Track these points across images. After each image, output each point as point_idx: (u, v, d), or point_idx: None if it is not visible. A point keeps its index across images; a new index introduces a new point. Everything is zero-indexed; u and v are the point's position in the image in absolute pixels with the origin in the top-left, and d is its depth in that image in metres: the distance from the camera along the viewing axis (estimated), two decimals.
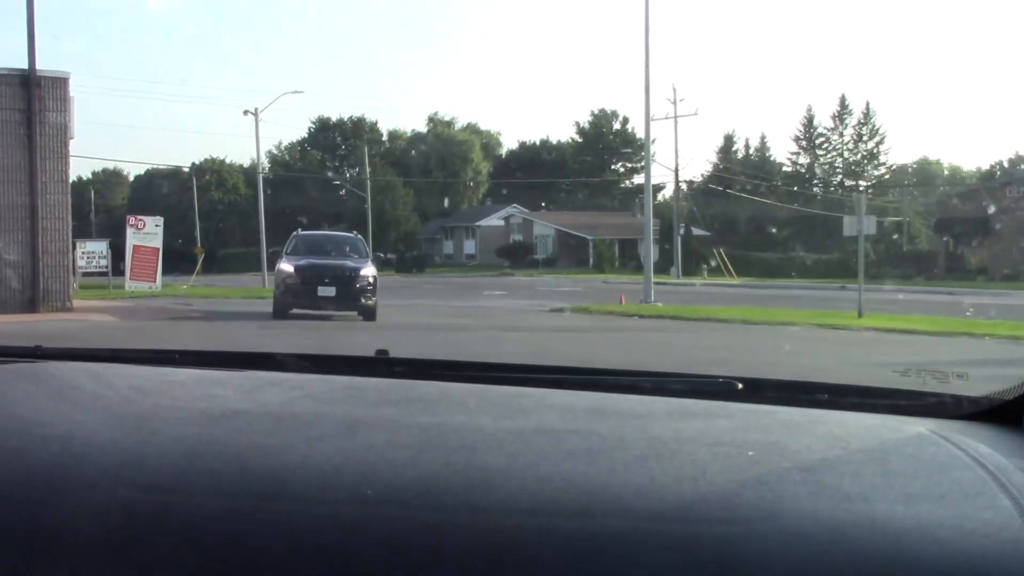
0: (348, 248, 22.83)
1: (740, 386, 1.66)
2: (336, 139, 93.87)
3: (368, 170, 74.12)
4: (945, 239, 50.65)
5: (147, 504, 1.09)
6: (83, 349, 2.11)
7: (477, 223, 77.79)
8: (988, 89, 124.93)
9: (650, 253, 28.30)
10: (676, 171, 58.35)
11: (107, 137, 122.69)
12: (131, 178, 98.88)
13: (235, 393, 1.56)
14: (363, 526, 1.05)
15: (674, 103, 55.56)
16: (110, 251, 38.47)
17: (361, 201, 72.34)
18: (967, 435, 1.37)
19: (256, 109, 44.72)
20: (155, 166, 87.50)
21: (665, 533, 1.03)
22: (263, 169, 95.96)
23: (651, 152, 30.10)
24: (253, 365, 1.92)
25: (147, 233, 37.49)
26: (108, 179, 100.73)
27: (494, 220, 76.64)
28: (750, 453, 1.24)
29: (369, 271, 21.18)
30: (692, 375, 1.81)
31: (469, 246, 78.22)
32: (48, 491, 1.12)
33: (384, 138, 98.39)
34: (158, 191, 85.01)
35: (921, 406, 1.59)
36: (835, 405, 1.60)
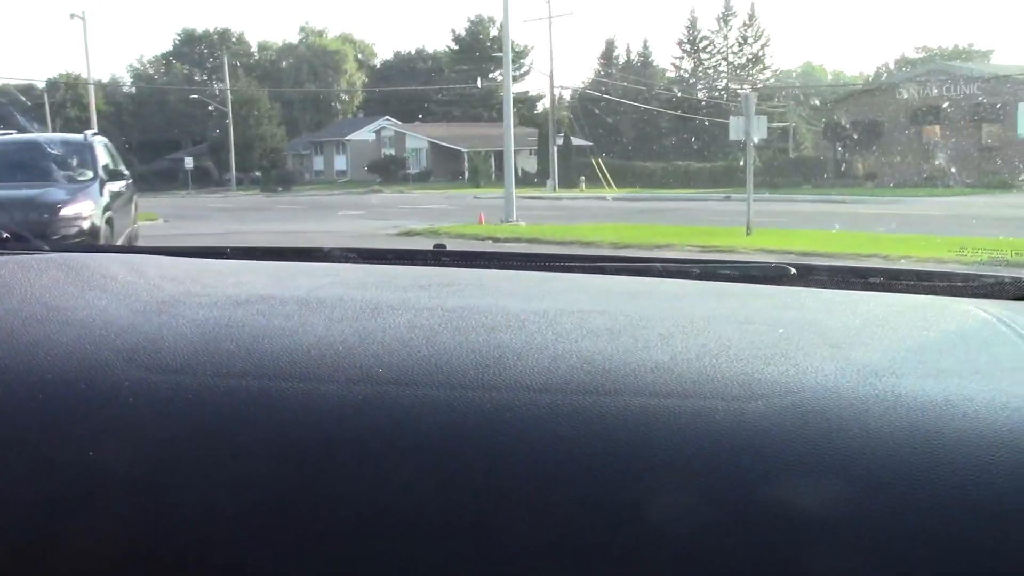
0: (70, 162, 13.24)
1: (793, 271, 1.63)
2: (203, 52, 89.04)
3: (228, 82, 69.89)
4: (833, 145, 48.44)
5: (156, 384, 1.11)
6: (142, 247, 1.71)
7: (347, 137, 73.68)
8: None
9: (511, 166, 25.10)
10: (551, 76, 55.11)
11: None
12: None
13: (266, 280, 1.58)
14: (371, 404, 1.06)
15: (548, 2, 52.06)
16: None
17: (225, 116, 68.37)
18: (1019, 313, 1.33)
19: (83, 13, 39.95)
20: (5, 81, 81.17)
21: (678, 409, 1.02)
22: (125, 85, 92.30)
23: (511, 49, 26.70)
24: (302, 258, 1.92)
25: None
26: None
27: (365, 134, 72.62)
28: (780, 330, 1.23)
29: (83, 206, 12.25)
30: (745, 261, 1.79)
31: (340, 162, 74.18)
32: (60, 374, 1.14)
33: (253, 50, 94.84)
34: (6, 110, 79.09)
35: (978, 287, 1.56)
36: (888, 288, 1.59)
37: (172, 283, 1.52)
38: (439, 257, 1.92)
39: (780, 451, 0.96)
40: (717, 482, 0.95)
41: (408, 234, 21.06)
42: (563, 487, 0.96)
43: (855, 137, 46.28)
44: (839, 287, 1.60)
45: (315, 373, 1.10)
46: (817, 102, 62.14)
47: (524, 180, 59.52)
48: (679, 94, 64.74)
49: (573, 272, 1.72)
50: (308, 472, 1.00)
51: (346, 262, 1.88)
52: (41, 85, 77.99)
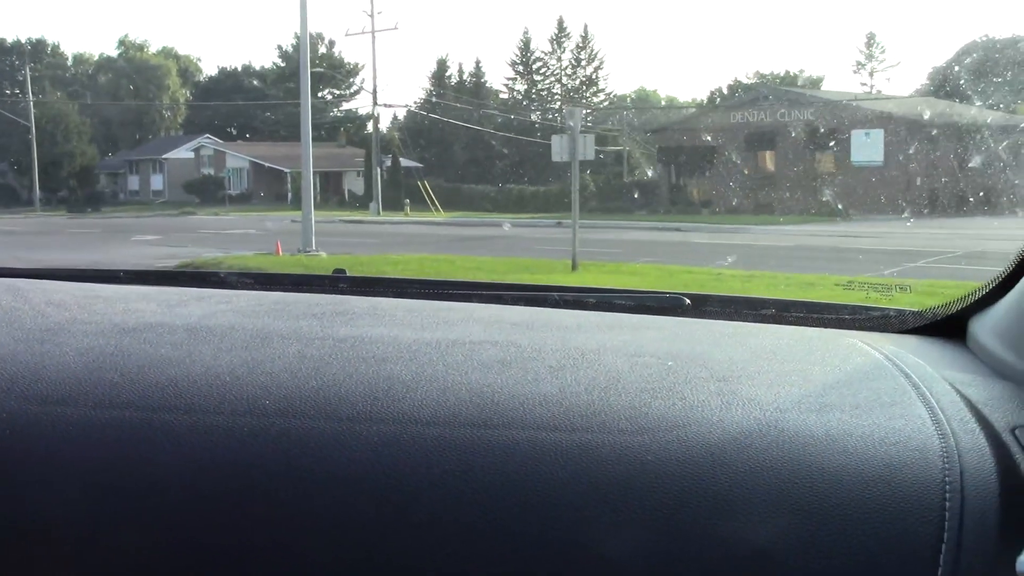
0: None
1: (688, 301, 1.64)
2: (14, 63, 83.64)
3: (31, 95, 65.38)
4: (668, 170, 47.06)
5: (36, 416, 1.09)
6: (32, 269, 1.98)
7: (165, 155, 69.62)
8: (703, 18, 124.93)
9: (310, 188, 22.51)
10: (374, 93, 52.62)
11: None
12: None
13: (157, 307, 1.52)
14: (257, 436, 1.05)
15: (371, 16, 49.43)
16: None
17: (29, 131, 63.95)
18: (902, 347, 1.38)
19: None
20: None
21: (565, 443, 1.04)
22: None
23: (308, 51, 23.95)
24: (197, 283, 1.88)
25: None
26: None
27: (184, 152, 68.66)
28: (669, 363, 1.24)
29: None
30: (641, 291, 1.77)
31: (156, 181, 70.05)
32: None
33: (69, 63, 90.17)
34: None
35: (864, 320, 1.60)
36: (779, 320, 1.62)
37: (57, 309, 1.46)
38: (337, 283, 1.87)
39: (665, 485, 0.97)
40: (602, 516, 0.96)
41: (186, 267, 18.26)
42: (449, 520, 0.97)
43: (689, 162, 45.06)
44: (731, 319, 1.59)
45: (200, 404, 1.08)
46: (651, 127, 61.15)
47: (351, 202, 57.33)
48: (512, 116, 62.85)
49: (471, 301, 1.68)
50: (192, 505, 0.99)
51: (242, 288, 1.81)
52: None
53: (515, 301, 1.72)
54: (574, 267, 15.77)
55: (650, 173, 52.32)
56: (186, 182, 64.24)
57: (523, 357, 1.25)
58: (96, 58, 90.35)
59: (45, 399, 1.09)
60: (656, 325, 1.51)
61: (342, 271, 2.05)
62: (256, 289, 1.83)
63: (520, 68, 69.20)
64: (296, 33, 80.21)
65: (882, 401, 1.13)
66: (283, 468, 1.00)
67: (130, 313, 1.47)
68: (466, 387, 1.13)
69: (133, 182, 72.14)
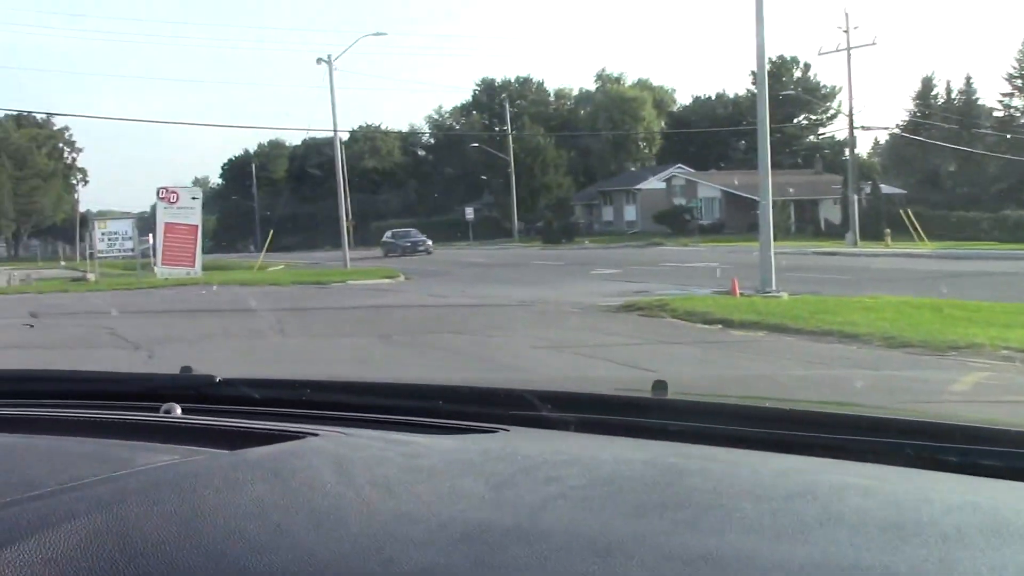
0: None
1: None
2: (503, 101, 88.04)
3: (510, 130, 67.83)
4: None
5: None
6: (299, 382, 1.96)
7: (637, 186, 69.89)
8: None
9: (769, 222, 20.12)
10: (850, 115, 48.89)
11: (271, 103, 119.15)
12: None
13: (482, 489, 1.37)
14: None
15: (846, 32, 45.91)
16: (136, 231, 32.64)
17: (513, 164, 66.29)
18: None
19: (330, 56, 37.97)
20: (311, 133, 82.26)
21: None
22: (422, 135, 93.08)
23: (766, 73, 21.63)
24: (506, 412, 1.82)
25: (181, 208, 31.14)
26: (271, 150, 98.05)
27: (655, 182, 68.57)
28: None
29: None
30: (1009, 436, 1.53)
31: (629, 212, 70.45)
32: None
33: (551, 98, 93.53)
34: (314, 161, 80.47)
35: None
36: None
37: (382, 495, 1.32)
38: (662, 414, 1.75)
39: None
40: None
41: (628, 308, 16.63)
42: None
43: None
44: None
45: None
46: None
47: (828, 232, 54.29)
48: (1008, 135, 56.77)
49: (812, 452, 1.51)
50: None
51: (557, 426, 1.74)
52: (344, 137, 79.12)
53: (862, 454, 1.47)
54: None
55: None
56: (657, 212, 63.79)
57: None
58: (576, 92, 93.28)
59: None
60: None
61: (663, 384, 1.86)
62: (574, 428, 1.71)
63: (1018, 82, 62.58)
64: (771, 59, 77.96)
65: None
66: None
67: (457, 500, 1.28)
68: None
69: (607, 212, 72.99)
